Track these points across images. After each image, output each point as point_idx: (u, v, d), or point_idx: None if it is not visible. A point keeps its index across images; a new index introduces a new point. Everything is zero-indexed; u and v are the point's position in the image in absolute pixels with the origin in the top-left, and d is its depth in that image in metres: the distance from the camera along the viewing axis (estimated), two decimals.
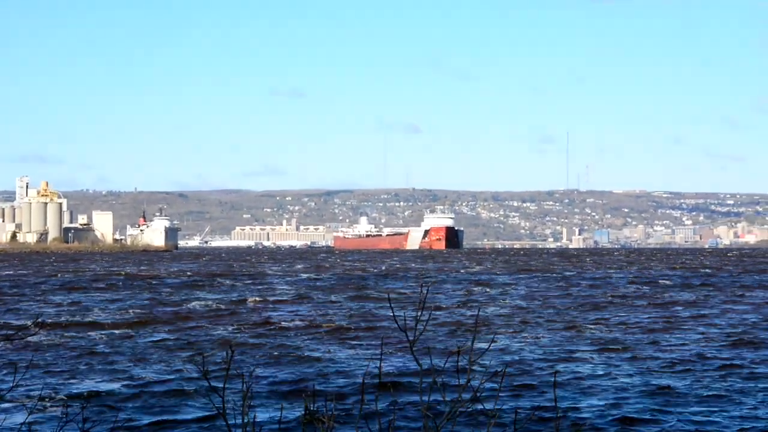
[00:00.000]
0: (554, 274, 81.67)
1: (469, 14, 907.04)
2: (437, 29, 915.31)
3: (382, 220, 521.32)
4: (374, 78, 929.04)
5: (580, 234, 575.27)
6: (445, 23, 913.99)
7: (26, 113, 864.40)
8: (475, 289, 58.43)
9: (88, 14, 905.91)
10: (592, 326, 33.11)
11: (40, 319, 35.34)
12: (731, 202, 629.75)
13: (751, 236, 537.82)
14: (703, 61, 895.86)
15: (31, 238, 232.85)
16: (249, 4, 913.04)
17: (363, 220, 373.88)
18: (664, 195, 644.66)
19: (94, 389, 19.79)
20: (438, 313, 38.51)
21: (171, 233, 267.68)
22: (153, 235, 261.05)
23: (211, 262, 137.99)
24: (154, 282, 67.61)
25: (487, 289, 57.23)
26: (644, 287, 59.86)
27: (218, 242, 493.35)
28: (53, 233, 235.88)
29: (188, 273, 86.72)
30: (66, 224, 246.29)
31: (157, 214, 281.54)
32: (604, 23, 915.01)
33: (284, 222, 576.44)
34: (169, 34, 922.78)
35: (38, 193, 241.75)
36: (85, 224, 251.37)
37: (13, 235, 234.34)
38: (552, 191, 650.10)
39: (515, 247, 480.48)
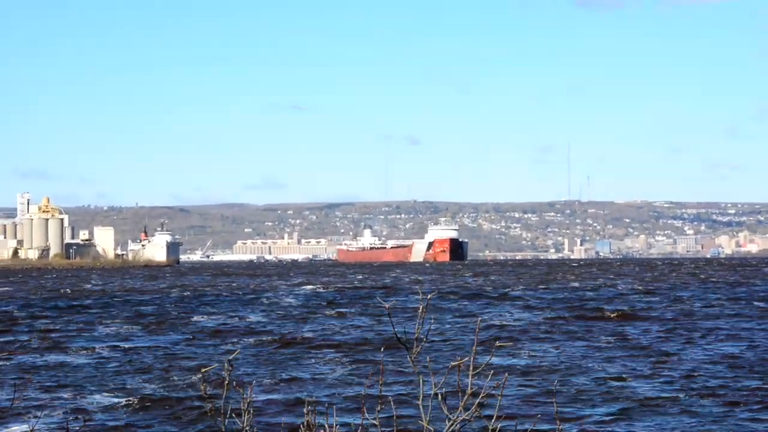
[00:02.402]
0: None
1: (468, 26, 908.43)
2: (436, 41, 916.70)
3: (384, 233, 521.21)
4: (374, 90, 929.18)
5: (581, 244, 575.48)
6: (443, 35, 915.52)
7: (26, 129, 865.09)
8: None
9: (87, 28, 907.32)
10: None
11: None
12: (732, 211, 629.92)
13: (753, 245, 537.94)
14: (703, 70, 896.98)
15: (32, 255, 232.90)
16: (248, 18, 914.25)
17: (366, 232, 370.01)
18: (666, 205, 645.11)
19: (96, 403, 19.78)
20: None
21: (173, 248, 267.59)
22: (155, 250, 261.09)
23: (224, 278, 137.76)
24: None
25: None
26: None
27: (220, 256, 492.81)
28: (55, 249, 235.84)
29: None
30: (68, 240, 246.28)
31: (159, 228, 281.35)
32: (602, 33, 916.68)
33: (285, 235, 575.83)
34: (168, 49, 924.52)
35: (39, 209, 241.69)
36: (86, 240, 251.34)
37: (15, 252, 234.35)
38: (553, 202, 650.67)
39: (517, 258, 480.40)
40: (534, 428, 15.02)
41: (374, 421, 7.07)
